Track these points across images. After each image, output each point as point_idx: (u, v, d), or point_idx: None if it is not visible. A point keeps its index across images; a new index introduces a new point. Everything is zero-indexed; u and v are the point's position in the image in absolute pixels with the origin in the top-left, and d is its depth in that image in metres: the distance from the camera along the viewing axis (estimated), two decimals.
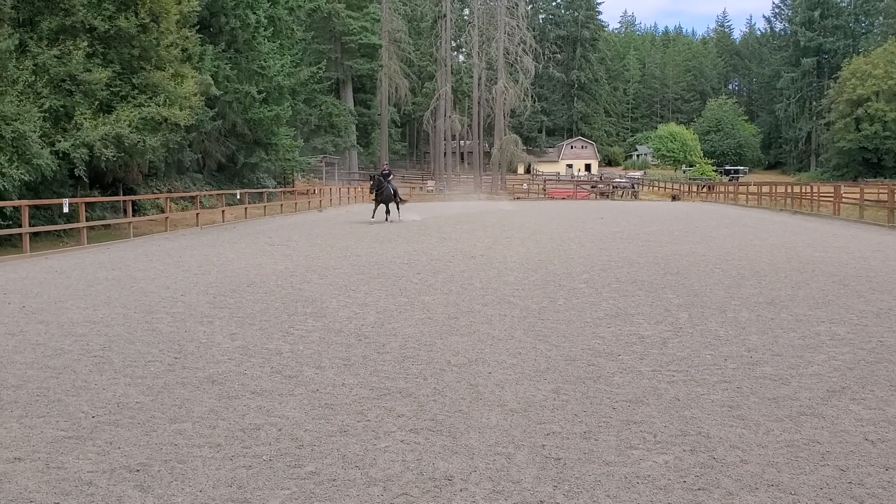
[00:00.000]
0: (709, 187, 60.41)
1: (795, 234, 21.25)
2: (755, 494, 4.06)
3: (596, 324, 8.65)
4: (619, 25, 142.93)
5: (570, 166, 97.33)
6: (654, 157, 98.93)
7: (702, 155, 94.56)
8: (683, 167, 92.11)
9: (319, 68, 44.62)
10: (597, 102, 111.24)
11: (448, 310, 9.50)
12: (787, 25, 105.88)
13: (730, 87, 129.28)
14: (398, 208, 28.56)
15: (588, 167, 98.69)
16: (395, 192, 27.86)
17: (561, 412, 5.49)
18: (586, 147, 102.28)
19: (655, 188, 70.10)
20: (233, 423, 5.27)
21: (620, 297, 10.40)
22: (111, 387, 6.19)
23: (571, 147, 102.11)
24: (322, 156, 56.97)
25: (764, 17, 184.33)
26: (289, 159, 40.69)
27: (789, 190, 39.39)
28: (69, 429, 5.18)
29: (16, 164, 17.43)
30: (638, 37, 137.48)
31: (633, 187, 61.52)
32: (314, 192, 45.02)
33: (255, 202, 34.70)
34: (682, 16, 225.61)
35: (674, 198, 57.55)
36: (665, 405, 5.61)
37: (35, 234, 17.95)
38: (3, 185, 17.18)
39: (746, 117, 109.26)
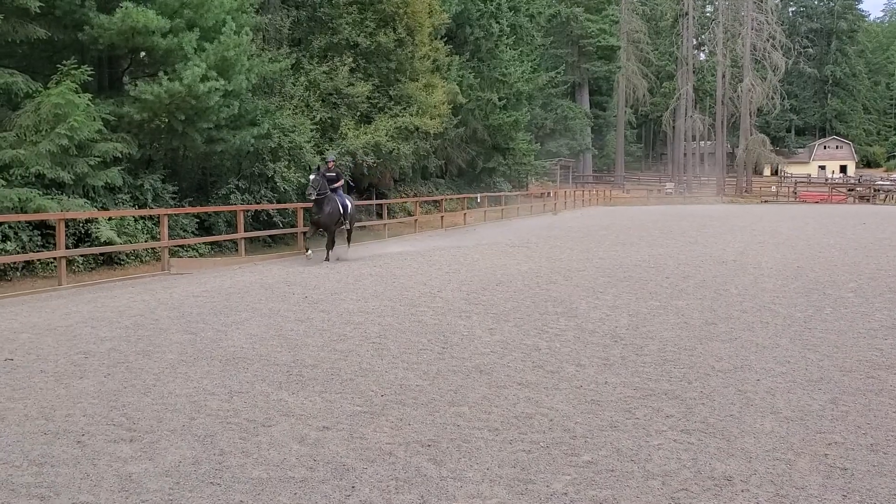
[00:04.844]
0: None
1: None
2: None
3: (871, 335, 8.06)
4: (882, 14, 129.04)
5: (822, 168, 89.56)
6: None
7: None
8: None
9: (558, 73, 45.05)
10: (854, 99, 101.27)
11: (704, 315, 9.30)
12: None
13: None
14: (348, 238, 17.57)
15: (843, 169, 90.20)
16: (344, 209, 16.46)
17: (842, 423, 5.25)
18: (841, 147, 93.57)
19: None
20: (506, 411, 5.61)
21: None
22: (392, 370, 6.81)
23: (825, 147, 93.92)
24: (557, 159, 57.36)
25: None
26: (524, 163, 41.46)
27: None
28: (363, 405, 5.80)
29: (293, 170, 19.52)
30: None
31: None
32: (548, 196, 45.51)
33: (492, 205, 35.80)
34: None
35: None
36: None
37: (304, 233, 19.90)
38: (284, 189, 19.31)
39: None
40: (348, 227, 17.15)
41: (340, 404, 5.82)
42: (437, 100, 24.69)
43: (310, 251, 16.21)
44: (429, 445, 4.89)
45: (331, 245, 16.42)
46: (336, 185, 16.45)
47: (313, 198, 15.64)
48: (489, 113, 34.88)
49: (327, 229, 16.13)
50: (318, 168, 16.27)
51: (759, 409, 5.57)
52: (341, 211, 16.27)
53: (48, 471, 4.47)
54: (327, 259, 16.16)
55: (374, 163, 22.43)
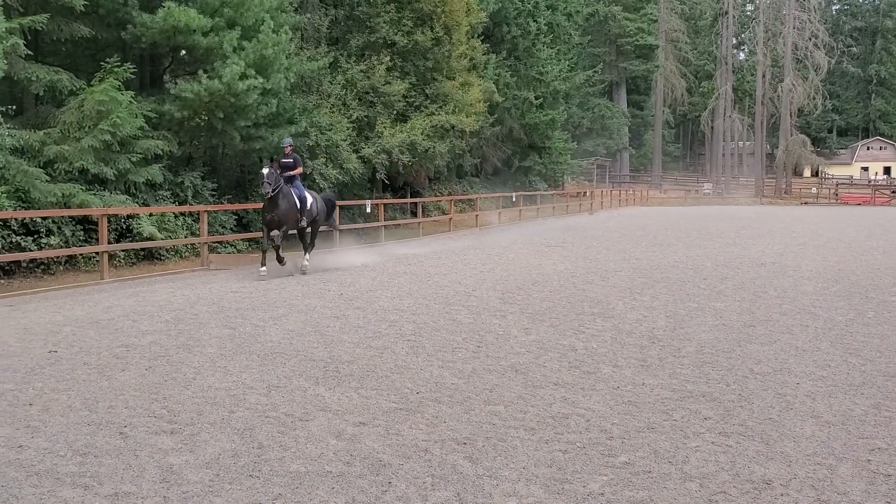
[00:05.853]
0: None
1: None
2: None
3: None
4: None
5: (865, 169, 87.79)
6: None
7: None
8: None
9: (595, 71, 44.80)
10: None
11: (743, 317, 9.18)
12: None
13: None
14: (309, 243, 14.40)
15: (887, 170, 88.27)
16: (302, 202, 13.72)
17: (885, 428, 5.15)
18: (885, 148, 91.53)
19: None
20: (542, 410, 5.60)
21: None
22: (427, 368, 6.83)
23: (868, 148, 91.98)
24: (593, 158, 57.02)
25: None
26: (560, 162, 41.32)
27: None
28: (399, 402, 5.82)
29: (330, 167, 19.68)
30: None
31: None
32: (584, 195, 45.25)
33: (527, 204, 35.71)
34: None
35: None
36: None
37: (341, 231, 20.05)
38: (322, 186, 19.46)
39: None
40: (304, 225, 13.81)
41: (376, 400, 5.85)
42: (473, 98, 24.72)
43: (264, 268, 13.11)
44: (464, 443, 4.90)
45: (278, 249, 13.39)
46: (292, 172, 13.63)
47: (269, 194, 12.89)
48: (525, 111, 34.81)
49: (275, 229, 13.07)
50: (272, 159, 13.37)
51: (799, 413, 5.49)
52: (298, 206, 13.54)
53: (91, 461, 4.56)
54: (263, 265, 13.07)
55: (410, 161, 22.52)
